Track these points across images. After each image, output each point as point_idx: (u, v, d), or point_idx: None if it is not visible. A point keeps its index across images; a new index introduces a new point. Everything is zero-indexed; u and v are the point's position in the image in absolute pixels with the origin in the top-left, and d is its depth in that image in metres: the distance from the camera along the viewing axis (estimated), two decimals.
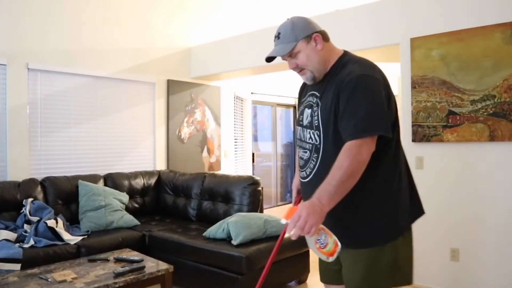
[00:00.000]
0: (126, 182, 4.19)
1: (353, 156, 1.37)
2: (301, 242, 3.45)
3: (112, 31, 4.51)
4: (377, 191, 1.51)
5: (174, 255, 3.29)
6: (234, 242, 3.04)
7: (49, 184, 3.68)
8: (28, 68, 3.85)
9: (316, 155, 1.55)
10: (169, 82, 5.05)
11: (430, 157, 3.33)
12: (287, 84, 7.67)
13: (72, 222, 3.66)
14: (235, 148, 6.14)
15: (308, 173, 1.59)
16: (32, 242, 3.02)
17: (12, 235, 3.06)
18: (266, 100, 7.49)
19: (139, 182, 4.31)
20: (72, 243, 3.16)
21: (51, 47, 4.03)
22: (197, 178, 4.24)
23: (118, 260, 2.68)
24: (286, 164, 8.22)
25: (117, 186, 4.07)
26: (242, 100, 6.59)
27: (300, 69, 1.59)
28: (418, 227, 3.38)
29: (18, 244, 3.00)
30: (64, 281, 2.28)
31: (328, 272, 1.75)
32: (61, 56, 4.09)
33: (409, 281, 1.61)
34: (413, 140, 3.39)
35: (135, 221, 3.84)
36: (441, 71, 3.24)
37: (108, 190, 3.90)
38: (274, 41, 1.60)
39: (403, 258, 1.59)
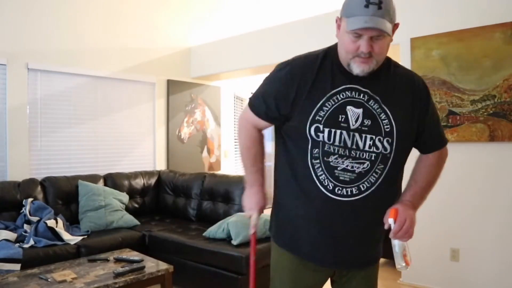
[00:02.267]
0: (126, 182, 4.18)
1: (442, 164, 1.42)
2: None
3: (112, 31, 4.51)
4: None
5: (174, 255, 3.29)
6: (234, 242, 3.04)
7: (49, 184, 3.68)
8: (28, 68, 3.85)
9: (382, 166, 1.30)
10: (169, 82, 5.05)
11: None
12: None
13: (72, 222, 3.66)
14: (235, 148, 6.14)
15: (364, 188, 1.30)
16: (32, 242, 3.02)
17: (12, 235, 3.06)
18: None
19: (139, 182, 4.31)
20: (72, 243, 3.16)
21: (51, 47, 4.03)
22: (197, 178, 4.24)
23: (118, 260, 2.68)
24: None
25: (117, 186, 4.07)
26: (242, 100, 6.59)
27: (368, 56, 1.24)
28: (418, 227, 3.39)
29: (18, 244, 3.00)
30: (64, 281, 2.28)
31: None
32: (61, 56, 4.09)
33: None
34: None
35: (135, 221, 3.84)
36: (441, 71, 3.24)
37: (108, 190, 3.90)
38: (368, 7, 1.20)
39: None
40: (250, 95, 1.50)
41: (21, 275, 2.42)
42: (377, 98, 1.30)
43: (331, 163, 1.29)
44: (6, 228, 3.19)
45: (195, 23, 5.40)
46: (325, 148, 1.29)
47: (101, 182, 4.02)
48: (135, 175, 4.35)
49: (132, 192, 4.19)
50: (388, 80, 1.34)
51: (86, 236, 3.36)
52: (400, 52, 3.51)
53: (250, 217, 1.59)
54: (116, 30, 4.55)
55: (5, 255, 2.74)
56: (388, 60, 1.38)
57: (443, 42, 3.23)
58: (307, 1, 5.83)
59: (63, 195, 3.71)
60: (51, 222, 3.19)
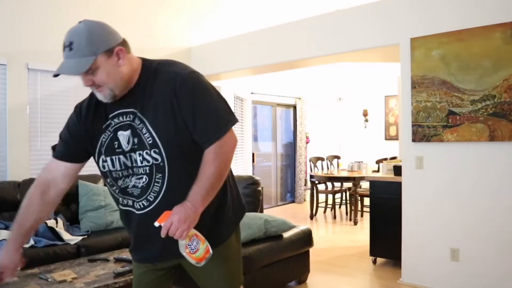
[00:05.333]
0: None
1: (219, 157, 1.34)
2: (301, 242, 3.47)
3: None
4: (223, 188, 1.52)
5: None
6: None
7: None
8: (28, 68, 3.85)
9: (160, 174, 1.36)
10: None
11: (430, 157, 3.33)
12: (287, 84, 7.67)
13: (72, 222, 3.65)
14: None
15: (152, 198, 1.38)
16: (32, 242, 3.02)
17: None
18: (266, 100, 7.49)
19: None
20: (72, 243, 3.16)
21: (51, 47, 4.03)
22: None
23: (118, 260, 2.68)
24: (286, 164, 8.22)
25: None
26: (242, 100, 6.59)
27: (97, 87, 1.32)
28: (418, 227, 3.40)
29: None
30: (64, 281, 2.28)
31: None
32: (61, 56, 4.08)
33: None
34: (413, 140, 3.39)
35: None
36: (441, 71, 3.24)
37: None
38: (64, 51, 1.29)
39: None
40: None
41: (21, 275, 2.42)
42: (138, 114, 1.35)
43: (122, 186, 1.43)
44: (6, 228, 3.19)
45: (195, 23, 5.40)
46: (113, 176, 1.43)
47: (101, 182, 4.02)
48: None
49: None
50: (145, 90, 1.36)
51: (86, 236, 3.36)
52: (400, 52, 3.51)
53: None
54: (116, 30, 4.54)
55: None
56: (146, 69, 1.39)
57: (443, 42, 3.23)
58: (307, 1, 5.83)
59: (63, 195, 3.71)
60: (51, 222, 3.20)
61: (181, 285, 3.24)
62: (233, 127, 1.40)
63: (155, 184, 1.37)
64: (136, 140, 1.36)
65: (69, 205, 3.74)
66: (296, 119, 8.04)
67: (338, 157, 7.63)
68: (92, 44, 1.28)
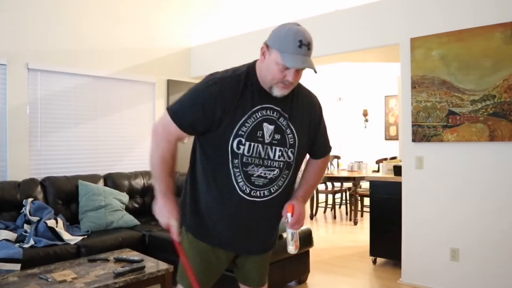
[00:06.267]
0: (126, 182, 4.18)
1: (325, 167, 1.76)
2: (301, 242, 3.46)
3: (112, 31, 4.51)
4: None
5: (174, 255, 3.28)
6: None
7: (49, 184, 3.68)
8: (28, 68, 3.85)
9: (287, 171, 1.58)
10: (169, 82, 5.05)
11: (430, 157, 3.33)
12: None
13: (72, 222, 3.66)
14: None
15: (274, 190, 1.56)
16: (32, 242, 3.02)
17: (12, 235, 3.06)
18: None
19: (139, 182, 4.31)
20: (72, 243, 3.16)
21: (51, 47, 4.03)
22: None
23: (118, 260, 2.68)
24: None
25: (117, 186, 4.07)
26: None
27: (290, 84, 1.47)
28: (418, 227, 3.40)
29: (18, 244, 3.00)
30: (64, 281, 2.28)
31: (212, 278, 1.70)
32: (61, 56, 4.09)
33: None
34: (413, 140, 3.39)
35: (135, 221, 3.84)
36: (441, 71, 3.24)
37: (108, 190, 3.90)
38: (302, 48, 1.40)
39: None
40: (169, 105, 1.56)
41: (21, 275, 2.42)
42: (286, 115, 1.55)
43: (249, 172, 1.51)
44: (6, 228, 3.19)
45: (195, 23, 5.40)
46: (244, 160, 1.50)
47: (101, 182, 4.02)
48: (135, 175, 4.34)
49: (132, 192, 4.19)
50: (294, 99, 1.57)
51: (86, 236, 3.36)
52: (400, 52, 3.51)
53: (169, 226, 1.58)
54: (116, 30, 4.55)
55: (5, 255, 2.74)
56: None
57: (443, 42, 3.23)
58: (307, 1, 5.83)
59: (63, 195, 3.71)
60: (51, 222, 3.20)
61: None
62: None
63: (281, 178, 1.57)
64: (278, 137, 1.53)
65: (69, 205, 3.74)
66: None
67: (338, 157, 7.62)
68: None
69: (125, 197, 4.00)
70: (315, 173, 1.73)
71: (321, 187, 6.65)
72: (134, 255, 2.82)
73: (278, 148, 1.53)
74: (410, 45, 3.40)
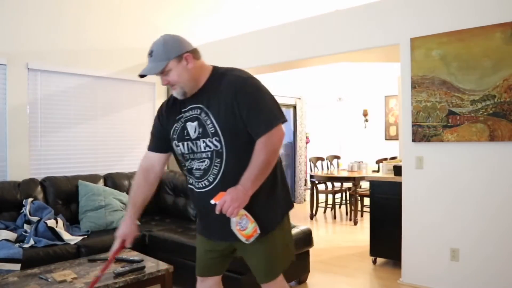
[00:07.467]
0: (126, 182, 4.18)
1: (268, 147, 1.60)
2: (301, 242, 3.46)
3: (112, 31, 4.51)
4: (273, 183, 1.76)
5: (174, 255, 3.29)
6: None
7: (49, 184, 3.68)
8: (28, 68, 3.85)
9: (219, 159, 1.65)
10: None
11: (430, 157, 3.33)
12: (287, 84, 7.66)
13: (72, 222, 3.66)
14: None
15: (211, 179, 1.68)
16: (32, 242, 3.02)
17: (12, 235, 3.06)
18: None
19: None
20: (72, 243, 3.16)
21: (51, 47, 4.03)
22: None
23: (118, 260, 2.68)
24: (286, 164, 8.21)
25: (117, 186, 4.07)
26: None
27: (172, 85, 1.67)
28: (418, 227, 3.40)
29: (18, 244, 3.00)
30: (64, 281, 2.28)
31: (205, 265, 1.95)
32: (61, 56, 4.09)
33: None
34: (413, 140, 3.39)
35: None
36: (441, 71, 3.24)
37: (108, 190, 3.90)
38: (148, 58, 1.66)
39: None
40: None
41: (21, 275, 2.42)
42: (204, 108, 1.67)
43: (189, 166, 1.75)
44: (6, 228, 3.19)
45: (196, 23, 5.39)
46: (184, 157, 1.76)
47: (101, 182, 4.02)
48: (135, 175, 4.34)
49: None
50: (211, 91, 1.68)
51: (86, 236, 3.37)
52: (400, 52, 3.51)
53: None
54: (116, 30, 4.55)
55: (5, 255, 2.74)
56: (214, 74, 1.74)
57: (443, 42, 3.23)
58: (307, 1, 5.83)
59: (63, 195, 3.71)
60: (51, 222, 3.20)
61: (181, 285, 3.25)
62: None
63: (214, 167, 1.67)
64: (201, 130, 1.67)
65: (69, 205, 3.74)
66: (296, 119, 8.04)
67: (338, 157, 7.63)
68: (166, 52, 1.62)
69: (125, 197, 4.00)
70: (255, 156, 1.60)
71: (321, 187, 6.66)
72: (134, 255, 2.82)
73: (202, 140, 1.67)
74: (410, 45, 3.40)
